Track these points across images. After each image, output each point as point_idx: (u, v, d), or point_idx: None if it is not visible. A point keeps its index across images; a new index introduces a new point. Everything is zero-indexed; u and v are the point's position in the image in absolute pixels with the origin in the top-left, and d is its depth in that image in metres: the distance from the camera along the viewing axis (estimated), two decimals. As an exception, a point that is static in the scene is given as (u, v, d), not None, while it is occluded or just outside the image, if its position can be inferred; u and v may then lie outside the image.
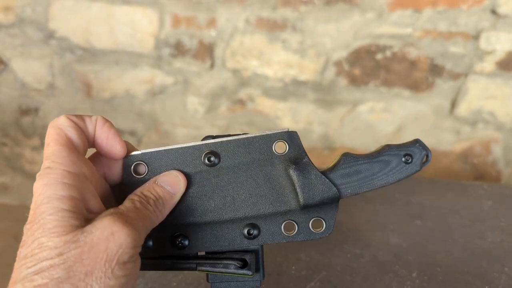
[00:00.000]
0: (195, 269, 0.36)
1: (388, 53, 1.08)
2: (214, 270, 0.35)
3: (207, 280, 0.37)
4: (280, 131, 0.36)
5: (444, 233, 0.61)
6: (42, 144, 1.29)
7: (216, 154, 0.36)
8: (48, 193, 0.28)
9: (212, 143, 0.36)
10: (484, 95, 1.09)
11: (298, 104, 1.16)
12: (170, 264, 0.36)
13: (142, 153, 0.36)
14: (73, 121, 0.32)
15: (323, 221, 0.36)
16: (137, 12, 1.12)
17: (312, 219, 0.36)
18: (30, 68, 1.21)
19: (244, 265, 0.35)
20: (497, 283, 0.53)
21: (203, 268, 0.35)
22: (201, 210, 0.36)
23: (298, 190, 0.36)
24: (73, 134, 0.32)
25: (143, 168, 0.36)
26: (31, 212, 0.29)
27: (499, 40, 1.03)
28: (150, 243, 0.36)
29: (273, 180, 0.36)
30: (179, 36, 1.13)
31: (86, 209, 0.30)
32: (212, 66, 1.15)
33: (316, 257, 0.56)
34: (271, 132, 0.36)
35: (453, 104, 1.11)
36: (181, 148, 0.36)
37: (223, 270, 0.35)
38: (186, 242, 0.36)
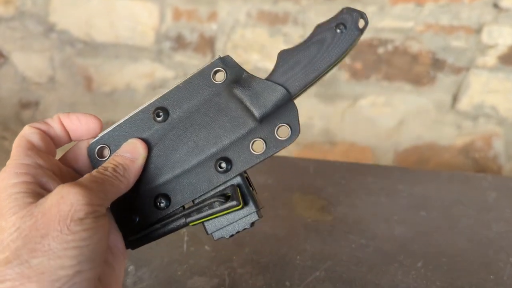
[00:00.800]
0: (186, 224, 0.36)
1: (389, 47, 1.08)
2: (202, 215, 0.35)
3: (206, 233, 0.37)
4: (213, 60, 0.37)
5: (449, 223, 0.61)
6: (42, 139, 1.28)
7: (163, 109, 0.37)
8: (3, 184, 0.30)
9: (155, 100, 0.37)
10: (486, 89, 1.09)
11: (299, 98, 1.15)
12: (160, 227, 0.37)
13: (100, 137, 0.37)
14: (35, 127, 0.35)
15: (288, 126, 0.36)
16: (138, 5, 1.12)
17: (276, 129, 0.36)
18: (31, 62, 1.20)
19: (227, 198, 0.35)
20: (502, 273, 0.53)
21: (192, 218, 0.35)
22: (170, 164, 0.36)
23: (248, 104, 0.35)
24: (34, 138, 0.34)
25: (106, 150, 0.37)
26: None
27: (501, 34, 1.03)
28: (137, 218, 0.36)
29: (224, 108, 0.36)
30: (180, 29, 1.12)
31: (44, 189, 0.31)
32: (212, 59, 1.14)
33: (321, 247, 0.56)
34: (205, 66, 0.37)
35: (455, 99, 1.11)
36: (131, 117, 0.37)
37: (210, 211, 0.35)
38: (168, 202, 0.37)
